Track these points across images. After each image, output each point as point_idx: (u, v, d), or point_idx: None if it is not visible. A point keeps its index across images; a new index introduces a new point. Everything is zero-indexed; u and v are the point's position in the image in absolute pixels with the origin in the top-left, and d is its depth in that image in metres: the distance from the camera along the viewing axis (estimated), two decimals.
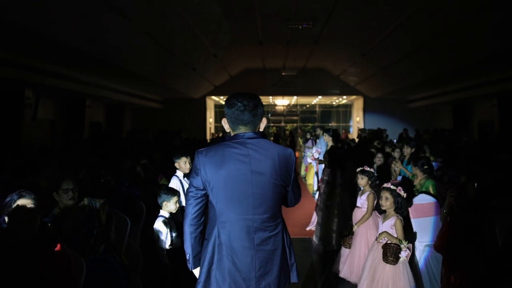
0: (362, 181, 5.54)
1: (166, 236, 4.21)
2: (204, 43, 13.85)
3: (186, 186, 4.93)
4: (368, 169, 5.58)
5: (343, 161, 6.85)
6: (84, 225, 3.17)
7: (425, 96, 20.13)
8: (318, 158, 7.54)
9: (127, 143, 15.28)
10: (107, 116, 19.47)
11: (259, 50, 17.21)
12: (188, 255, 2.71)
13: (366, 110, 23.58)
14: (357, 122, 24.45)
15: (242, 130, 2.65)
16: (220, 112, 28.53)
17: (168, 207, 4.33)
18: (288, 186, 2.70)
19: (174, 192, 4.37)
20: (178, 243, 4.37)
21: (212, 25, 12.67)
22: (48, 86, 11.62)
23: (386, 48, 14.07)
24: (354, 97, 24.91)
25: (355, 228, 5.50)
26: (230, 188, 2.55)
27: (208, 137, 22.57)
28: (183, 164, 5.03)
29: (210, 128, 24.83)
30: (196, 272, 2.74)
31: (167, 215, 4.35)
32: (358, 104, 25.02)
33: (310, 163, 11.16)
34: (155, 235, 4.18)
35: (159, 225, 4.22)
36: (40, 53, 9.81)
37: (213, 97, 25.54)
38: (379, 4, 10.71)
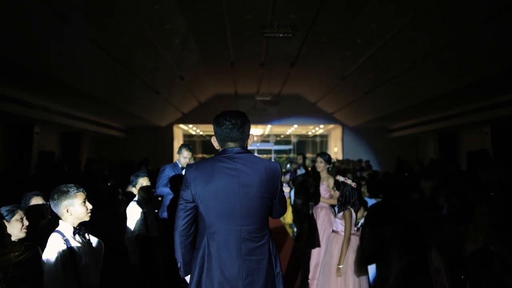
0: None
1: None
2: (168, 61, 12.27)
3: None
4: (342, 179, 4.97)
5: None
6: None
7: (408, 125, 18.91)
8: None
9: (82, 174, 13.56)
10: (61, 145, 17.51)
11: (231, 73, 15.73)
12: (179, 264, 2.82)
13: (344, 140, 22.26)
14: (334, 152, 23.07)
15: (230, 146, 2.81)
16: (189, 142, 26.79)
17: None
18: (275, 198, 2.85)
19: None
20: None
21: (175, 40, 11.10)
22: None
23: (370, 70, 12.81)
24: (331, 126, 23.63)
25: (341, 269, 4.54)
26: (219, 200, 2.69)
27: None
28: (80, 208, 3.14)
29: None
30: (187, 279, 2.84)
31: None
32: (336, 133, 23.72)
33: (289, 198, 9.56)
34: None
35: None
36: None
37: (182, 126, 23.85)
38: (365, 16, 9.41)
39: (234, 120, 2.78)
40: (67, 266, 2.91)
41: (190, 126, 24.62)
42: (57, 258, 2.90)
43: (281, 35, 9.39)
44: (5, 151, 13.48)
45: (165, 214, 5.49)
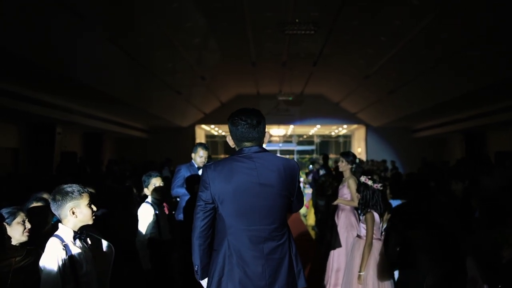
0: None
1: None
2: (188, 61, 12.14)
3: None
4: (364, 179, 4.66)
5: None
6: None
7: (433, 125, 18.42)
8: None
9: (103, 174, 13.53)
10: (83, 145, 17.59)
11: (252, 73, 15.53)
12: (196, 267, 2.78)
13: (368, 140, 21.87)
14: (358, 153, 22.67)
15: (247, 145, 2.79)
16: (211, 142, 26.69)
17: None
18: (293, 196, 2.84)
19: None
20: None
21: (195, 39, 10.96)
22: (2, 108, 9.86)
23: (393, 69, 12.44)
24: (355, 126, 23.27)
25: (362, 276, 4.27)
26: (239, 200, 2.66)
27: None
28: (85, 209, 2.88)
29: None
30: (204, 283, 2.83)
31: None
32: (359, 134, 23.32)
33: (311, 199, 9.31)
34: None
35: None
36: None
37: (203, 126, 23.78)
38: (390, 12, 9.10)
39: (250, 119, 2.75)
40: (66, 274, 2.65)
41: (212, 126, 24.51)
42: (55, 266, 2.63)
43: (302, 32, 9.12)
44: (27, 151, 13.54)
45: (181, 216, 5.27)
